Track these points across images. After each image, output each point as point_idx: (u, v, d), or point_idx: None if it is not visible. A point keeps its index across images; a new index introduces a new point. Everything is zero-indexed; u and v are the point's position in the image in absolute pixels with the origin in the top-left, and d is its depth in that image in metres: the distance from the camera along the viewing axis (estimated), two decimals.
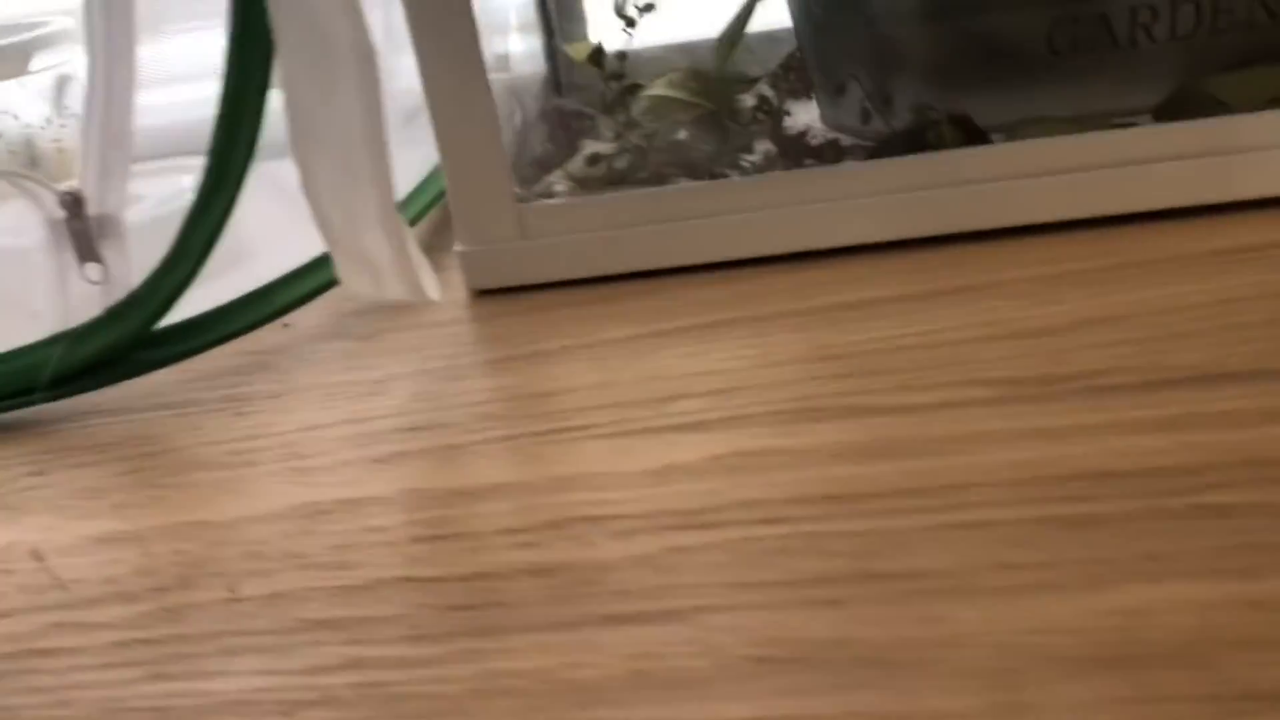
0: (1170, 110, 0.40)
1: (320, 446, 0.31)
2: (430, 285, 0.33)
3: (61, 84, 0.56)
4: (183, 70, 0.48)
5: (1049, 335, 0.31)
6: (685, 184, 0.41)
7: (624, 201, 0.39)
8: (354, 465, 0.30)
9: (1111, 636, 0.20)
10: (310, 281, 0.38)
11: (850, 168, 0.39)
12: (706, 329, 0.35)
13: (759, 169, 0.44)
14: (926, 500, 0.25)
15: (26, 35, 0.57)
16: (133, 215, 0.37)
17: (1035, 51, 0.42)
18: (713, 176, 0.44)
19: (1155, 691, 0.19)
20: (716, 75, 0.46)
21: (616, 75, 0.48)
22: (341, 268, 0.32)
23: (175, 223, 0.35)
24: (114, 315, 0.35)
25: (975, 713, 0.19)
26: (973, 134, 0.40)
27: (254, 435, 0.33)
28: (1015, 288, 0.34)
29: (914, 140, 0.40)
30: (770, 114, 0.47)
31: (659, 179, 0.43)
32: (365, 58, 0.28)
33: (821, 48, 0.48)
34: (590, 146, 0.47)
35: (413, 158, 0.46)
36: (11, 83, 0.55)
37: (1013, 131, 0.40)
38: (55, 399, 0.35)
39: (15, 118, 0.52)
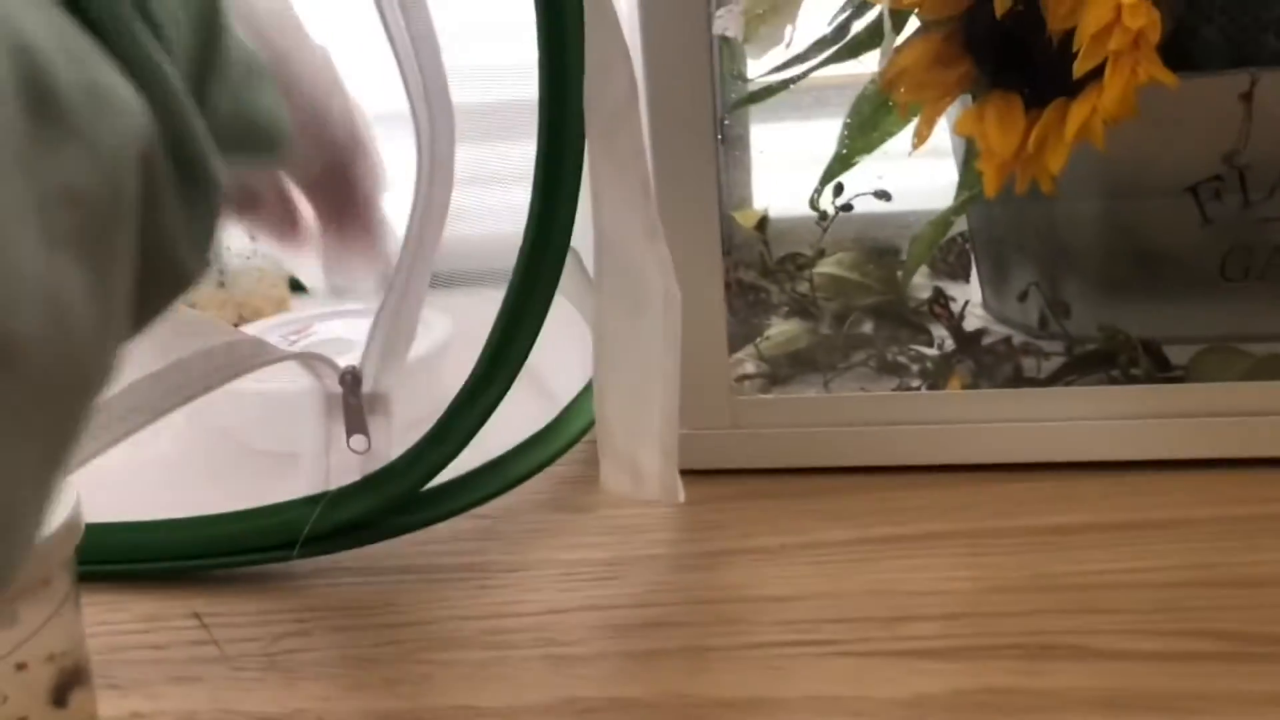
0: None
1: (572, 634, 0.34)
2: (680, 488, 0.35)
3: None
4: None
5: (1266, 587, 0.33)
6: (895, 393, 0.44)
7: (834, 402, 0.42)
8: (611, 659, 0.33)
9: None
10: (540, 454, 0.41)
11: (1056, 393, 0.42)
12: (921, 541, 0.37)
13: (938, 363, 0.47)
14: None
15: None
16: None
17: (1208, 278, 0.45)
18: (892, 362, 0.47)
19: None
20: (905, 275, 0.48)
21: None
22: (606, 470, 0.35)
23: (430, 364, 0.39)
24: (372, 483, 0.37)
25: None
26: (1159, 361, 0.43)
27: (502, 614, 0.35)
28: (1211, 528, 0.36)
29: (1104, 360, 0.43)
30: (946, 308, 0.50)
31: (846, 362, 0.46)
32: (672, 305, 0.31)
33: (996, 250, 0.51)
34: (778, 327, 0.50)
35: None
36: None
37: (1195, 361, 0.43)
38: (305, 556, 0.38)
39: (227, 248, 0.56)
